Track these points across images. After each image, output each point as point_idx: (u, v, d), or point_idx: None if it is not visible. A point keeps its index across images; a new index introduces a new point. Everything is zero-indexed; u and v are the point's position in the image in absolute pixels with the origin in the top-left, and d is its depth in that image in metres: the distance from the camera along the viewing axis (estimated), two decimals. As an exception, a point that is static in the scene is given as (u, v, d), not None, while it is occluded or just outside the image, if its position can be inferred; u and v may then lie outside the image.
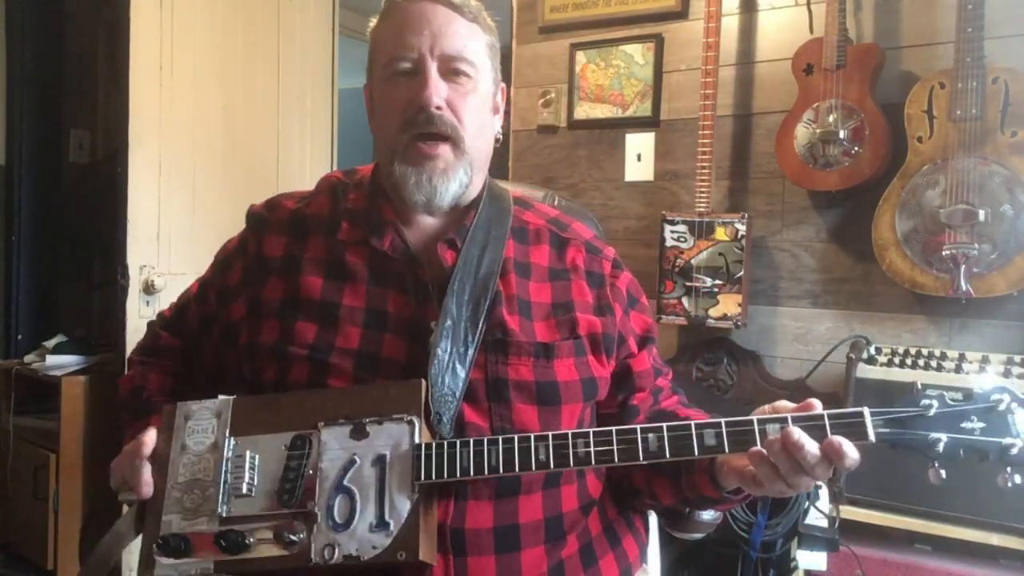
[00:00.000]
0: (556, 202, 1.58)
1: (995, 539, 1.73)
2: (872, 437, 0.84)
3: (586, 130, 2.63)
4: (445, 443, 0.90)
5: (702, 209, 2.25)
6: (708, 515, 1.31)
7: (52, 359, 2.68)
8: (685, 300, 2.28)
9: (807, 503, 1.82)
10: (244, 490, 0.92)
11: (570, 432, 0.89)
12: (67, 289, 3.22)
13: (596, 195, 2.62)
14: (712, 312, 2.25)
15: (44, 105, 3.15)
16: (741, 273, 2.22)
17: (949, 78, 1.94)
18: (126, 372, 1.19)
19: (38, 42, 3.11)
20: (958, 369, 1.86)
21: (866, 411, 0.84)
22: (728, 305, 2.24)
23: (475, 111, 1.04)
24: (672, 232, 2.29)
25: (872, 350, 1.96)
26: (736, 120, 2.39)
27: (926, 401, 0.85)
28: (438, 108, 1.00)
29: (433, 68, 1.01)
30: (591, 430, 0.88)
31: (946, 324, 2.10)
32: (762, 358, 2.32)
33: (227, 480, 0.93)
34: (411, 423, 0.90)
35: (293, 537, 0.89)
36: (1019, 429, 0.83)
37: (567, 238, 1.12)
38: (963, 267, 1.90)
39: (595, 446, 0.88)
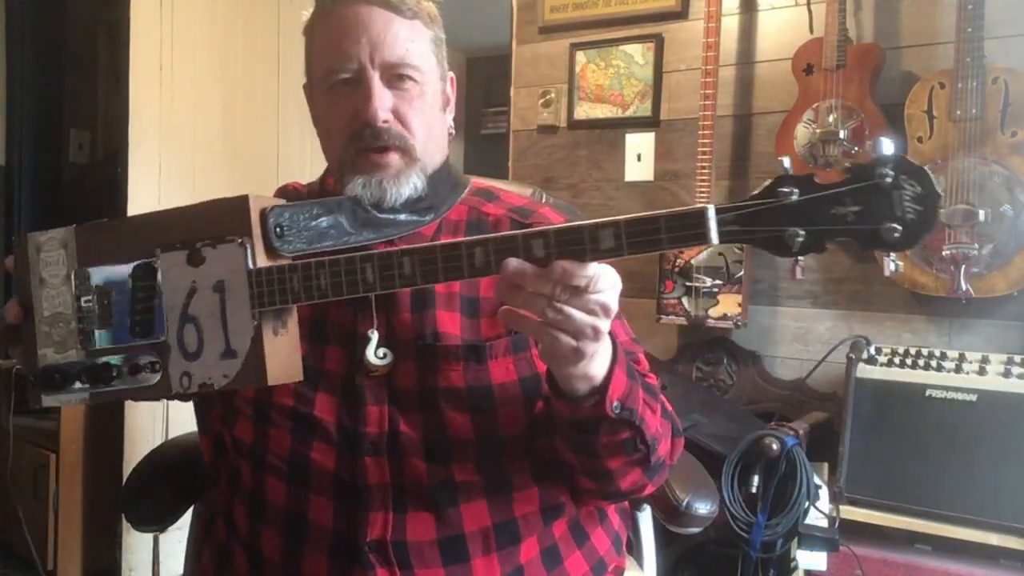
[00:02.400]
0: (544, 199, 1.57)
1: (995, 539, 1.73)
2: (715, 239, 0.70)
3: (586, 130, 2.63)
4: (274, 267, 0.85)
5: (702, 209, 2.25)
6: (704, 509, 1.31)
7: (52, 359, 2.68)
8: (685, 300, 2.28)
9: (807, 503, 1.82)
10: (99, 323, 0.93)
11: (397, 249, 0.81)
12: (67, 289, 3.22)
13: (596, 195, 2.62)
14: (712, 312, 2.25)
15: (44, 105, 3.15)
16: (741, 273, 2.22)
17: (949, 78, 1.94)
18: None
19: (38, 42, 3.11)
20: (958, 369, 1.85)
21: (710, 208, 0.70)
22: (728, 305, 2.24)
23: (423, 115, 0.99)
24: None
25: (872, 350, 1.96)
26: (736, 120, 2.39)
27: (785, 188, 0.70)
28: (385, 122, 0.96)
29: (375, 79, 0.96)
30: (418, 246, 0.81)
31: (946, 324, 2.10)
32: (762, 358, 2.32)
33: (83, 313, 0.93)
34: (243, 245, 0.86)
35: (151, 368, 0.90)
36: (905, 207, 0.67)
37: (529, 224, 1.05)
38: (963, 267, 1.90)
39: (420, 264, 0.80)
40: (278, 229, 0.87)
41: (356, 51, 0.96)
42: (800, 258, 0.73)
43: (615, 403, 0.86)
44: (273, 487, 0.99)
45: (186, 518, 1.31)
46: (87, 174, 3.24)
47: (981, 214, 1.89)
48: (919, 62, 2.12)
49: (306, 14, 1.04)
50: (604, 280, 0.76)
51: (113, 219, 0.96)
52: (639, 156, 2.54)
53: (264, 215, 0.87)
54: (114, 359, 0.92)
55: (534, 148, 2.74)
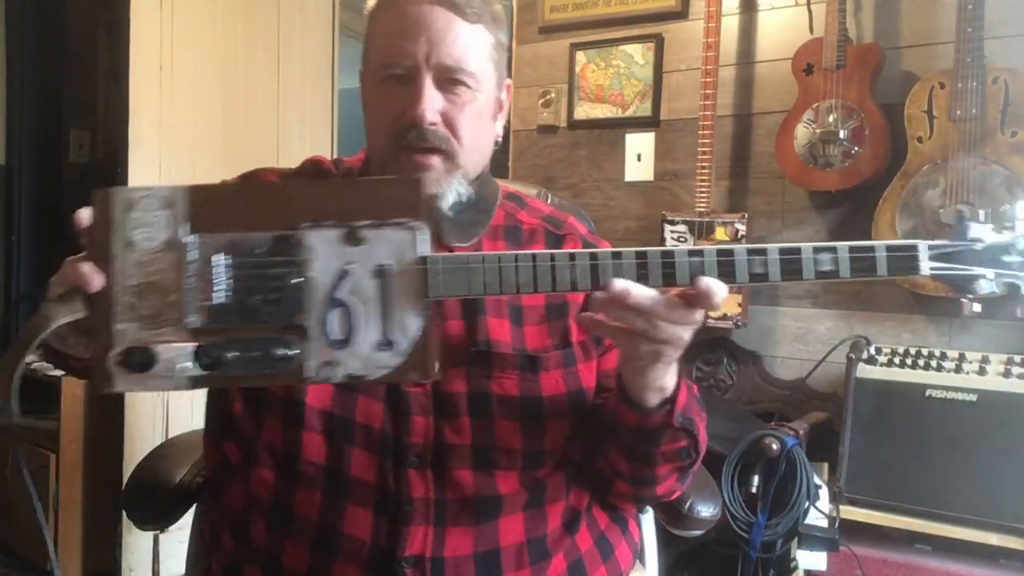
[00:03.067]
0: (549, 199, 1.57)
1: (995, 539, 1.73)
2: (925, 271, 0.81)
3: (586, 130, 2.63)
4: (458, 256, 0.80)
5: (702, 209, 2.25)
6: (707, 511, 1.30)
7: (52, 359, 2.68)
8: (685, 300, 2.27)
9: (807, 503, 1.82)
10: (215, 299, 0.79)
11: (608, 250, 0.80)
12: (67, 289, 3.22)
13: (596, 195, 2.62)
14: (712, 312, 2.25)
15: (44, 105, 3.15)
16: (741, 273, 2.22)
17: (949, 78, 1.94)
18: None
19: (38, 42, 3.10)
20: (958, 369, 1.86)
21: (923, 244, 0.82)
22: (728, 305, 2.24)
23: (472, 122, 0.97)
24: (672, 232, 2.29)
25: (872, 350, 1.96)
26: (736, 120, 2.39)
27: (974, 233, 0.83)
28: (432, 124, 0.94)
29: (428, 80, 0.94)
30: (629, 249, 0.79)
31: (946, 324, 2.10)
32: (762, 358, 2.32)
33: (193, 285, 0.79)
34: (413, 230, 0.78)
35: (282, 352, 0.78)
36: None
37: (563, 235, 1.07)
38: (963, 267, 1.90)
39: (637, 268, 0.78)
40: (443, 216, 0.83)
41: (413, 49, 0.94)
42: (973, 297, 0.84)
43: (679, 412, 0.90)
44: (303, 495, 0.95)
45: (187, 518, 1.31)
46: (87, 174, 3.24)
47: (981, 214, 1.88)
48: (919, 62, 2.12)
49: (371, 1, 1.01)
50: (716, 299, 0.79)
51: (238, 184, 0.86)
52: (639, 156, 2.54)
53: (434, 200, 0.81)
54: (225, 339, 0.79)
55: (534, 148, 2.73)
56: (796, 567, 1.89)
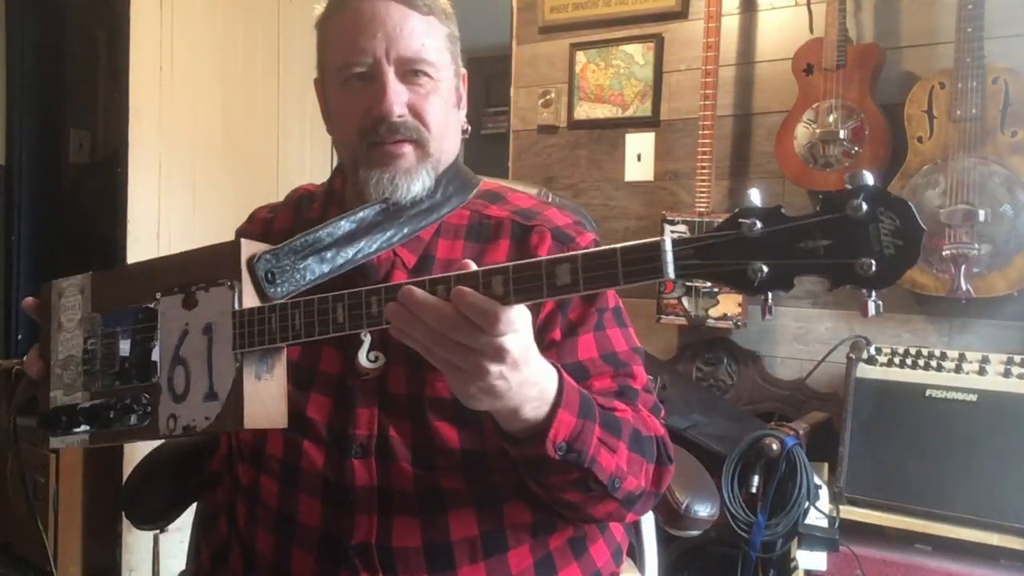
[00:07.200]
0: (550, 199, 1.56)
1: (995, 539, 1.73)
2: (671, 273, 0.67)
3: (586, 130, 2.63)
4: (255, 308, 0.86)
5: (702, 209, 2.25)
6: (704, 511, 1.30)
7: (52, 359, 2.68)
8: (685, 300, 2.28)
9: (807, 503, 1.82)
10: (102, 366, 0.96)
11: (365, 288, 0.79)
12: (67, 289, 3.22)
13: (596, 195, 2.62)
14: (712, 312, 2.25)
15: (44, 105, 3.15)
16: (741, 273, 2.22)
17: (949, 78, 1.94)
18: None
19: (38, 42, 3.11)
20: (958, 369, 1.85)
21: (666, 241, 0.67)
22: (728, 305, 2.24)
23: (439, 110, 0.99)
24: (672, 232, 2.29)
25: (872, 350, 1.96)
26: (736, 120, 2.39)
27: (746, 220, 0.65)
28: (400, 116, 0.96)
29: (391, 73, 0.96)
30: (386, 285, 0.78)
31: (946, 324, 2.10)
32: (762, 358, 2.32)
33: (88, 355, 0.97)
34: (232, 287, 0.88)
35: (145, 409, 0.92)
36: (883, 241, 0.63)
37: (530, 226, 1.01)
38: (963, 267, 1.90)
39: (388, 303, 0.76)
40: (269, 275, 0.89)
41: (372, 46, 0.95)
42: (770, 296, 0.68)
43: (559, 444, 0.82)
44: (267, 486, 1.01)
45: (186, 519, 1.30)
46: (87, 174, 3.24)
47: (981, 214, 1.89)
48: (919, 62, 2.12)
49: (319, 8, 1.03)
50: (506, 324, 0.72)
51: (126, 264, 1.03)
52: (639, 156, 2.54)
53: (252, 261, 0.88)
54: (110, 401, 0.94)
55: (534, 148, 2.74)
56: (796, 567, 1.89)
